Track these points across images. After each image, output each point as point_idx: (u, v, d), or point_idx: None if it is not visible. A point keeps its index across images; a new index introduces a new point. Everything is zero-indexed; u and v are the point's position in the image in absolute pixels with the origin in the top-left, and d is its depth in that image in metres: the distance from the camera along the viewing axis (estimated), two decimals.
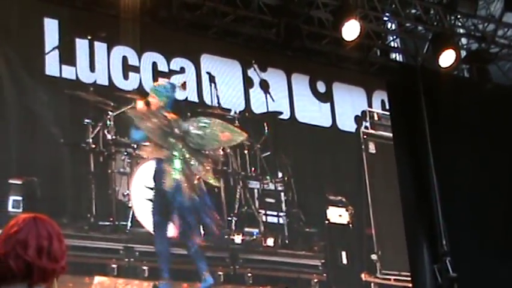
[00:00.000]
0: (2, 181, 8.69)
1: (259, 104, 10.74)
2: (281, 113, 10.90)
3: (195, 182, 9.43)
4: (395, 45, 12.64)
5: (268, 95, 10.78)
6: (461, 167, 11.78)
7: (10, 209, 8.56)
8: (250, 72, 10.78)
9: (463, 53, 12.19)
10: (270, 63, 10.99)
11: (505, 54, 12.48)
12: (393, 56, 12.85)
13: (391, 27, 12.27)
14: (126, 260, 9.17)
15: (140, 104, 9.16)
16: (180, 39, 10.46)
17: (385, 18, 11.81)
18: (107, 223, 9.19)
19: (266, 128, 10.58)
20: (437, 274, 11.38)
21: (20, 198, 8.63)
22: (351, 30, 10.57)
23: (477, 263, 11.41)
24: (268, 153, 10.50)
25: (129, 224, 9.26)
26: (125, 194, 9.35)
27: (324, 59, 11.56)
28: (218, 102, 10.32)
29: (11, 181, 8.69)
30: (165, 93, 9.35)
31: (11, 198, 8.61)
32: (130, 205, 9.33)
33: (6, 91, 8.99)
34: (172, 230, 9.21)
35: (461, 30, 12.37)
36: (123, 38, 9.70)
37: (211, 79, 10.36)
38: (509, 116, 12.48)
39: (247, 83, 10.72)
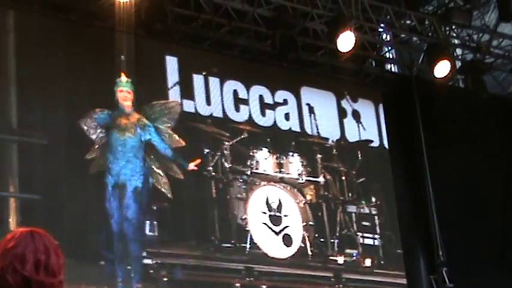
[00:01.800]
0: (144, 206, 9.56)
1: (352, 132, 11.47)
2: (372, 141, 11.51)
3: None
4: (391, 56, 12.68)
5: (360, 124, 11.49)
6: (457, 177, 11.78)
7: (147, 232, 9.57)
8: (344, 103, 11.48)
9: (458, 64, 12.22)
10: (361, 94, 11.69)
11: (500, 65, 12.51)
12: (388, 66, 12.88)
13: (386, 38, 12.30)
14: (247, 279, 10.04)
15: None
16: (282, 73, 11.22)
17: (380, 29, 11.84)
18: (229, 245, 10.09)
19: (360, 155, 11.29)
20: (434, 284, 11.38)
21: (155, 222, 9.58)
22: (346, 41, 10.59)
23: (473, 274, 11.40)
24: (363, 179, 11.23)
25: (248, 245, 10.13)
26: (243, 218, 10.24)
27: (320, 70, 11.58)
28: (317, 132, 11.17)
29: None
30: (130, 87, 9.75)
31: (147, 222, 9.58)
32: (247, 228, 10.20)
33: None
34: None
35: (456, 41, 12.40)
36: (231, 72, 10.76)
37: (311, 110, 11.19)
38: (504, 125, 12.51)
39: (341, 113, 11.42)
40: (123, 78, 9.74)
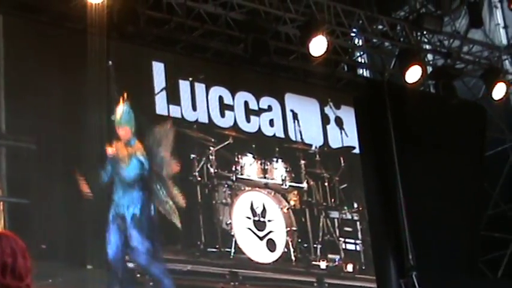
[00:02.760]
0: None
1: (335, 139, 11.58)
2: (354, 147, 11.61)
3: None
4: (362, 61, 12.73)
5: (342, 131, 11.59)
6: (427, 181, 11.84)
7: None
8: (327, 110, 11.57)
9: (429, 69, 12.29)
10: (344, 101, 11.78)
11: (470, 70, 12.59)
12: (360, 71, 12.93)
13: (358, 42, 12.36)
14: (232, 283, 10.09)
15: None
16: (266, 79, 11.29)
17: (352, 34, 11.90)
18: (214, 250, 10.15)
19: (342, 161, 11.40)
20: None
21: None
22: (318, 45, 10.62)
23: (443, 278, 11.46)
24: (345, 185, 11.36)
25: (232, 250, 10.20)
26: (228, 223, 10.31)
27: (292, 74, 11.60)
28: (301, 138, 11.25)
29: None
30: (129, 117, 9.76)
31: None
32: (232, 233, 10.27)
33: None
34: None
35: (428, 46, 12.47)
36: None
37: (295, 116, 11.29)
38: (474, 130, 12.59)
39: (325, 119, 11.53)
40: (117, 115, 9.73)
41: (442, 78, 12.09)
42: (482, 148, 12.79)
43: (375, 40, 12.14)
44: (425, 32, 12.07)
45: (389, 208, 11.82)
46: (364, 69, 12.98)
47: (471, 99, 12.94)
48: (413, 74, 11.33)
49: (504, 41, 13.46)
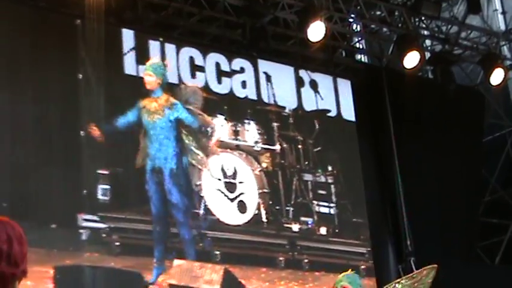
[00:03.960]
0: (92, 171, 9.39)
1: (309, 102, 11.40)
2: (329, 110, 11.51)
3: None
4: (361, 47, 12.71)
5: (317, 94, 11.48)
6: (425, 166, 11.85)
7: (100, 196, 9.40)
8: (301, 73, 11.46)
9: (427, 55, 12.28)
10: (317, 69, 11.68)
11: (468, 56, 12.58)
12: (358, 57, 12.92)
13: (356, 28, 12.33)
14: (201, 245, 9.92)
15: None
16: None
17: (350, 20, 11.87)
18: None
19: (317, 124, 11.30)
20: (402, 274, 11.43)
21: (107, 186, 9.43)
22: (316, 31, 10.61)
23: (441, 264, 11.45)
24: (319, 148, 11.25)
25: (201, 212, 10.06)
26: (197, 184, 10.11)
27: (290, 59, 11.59)
28: (274, 100, 11.10)
29: (99, 171, 9.42)
30: (161, 71, 9.87)
31: (100, 186, 9.38)
32: (202, 194, 10.11)
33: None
34: None
35: (425, 32, 12.45)
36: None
37: (268, 78, 11.12)
38: (472, 116, 12.59)
39: (299, 82, 11.39)
40: (150, 61, 9.88)
41: (440, 64, 12.10)
42: (480, 134, 12.79)
43: (373, 26, 12.12)
44: (423, 18, 12.05)
45: (388, 194, 11.83)
46: (362, 55, 12.97)
47: (469, 85, 12.94)
48: (411, 59, 11.32)
49: (502, 27, 13.45)
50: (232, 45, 11.06)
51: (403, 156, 11.78)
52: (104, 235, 9.34)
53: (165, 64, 10.05)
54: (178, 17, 10.64)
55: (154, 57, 10.06)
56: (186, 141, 9.96)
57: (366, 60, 12.95)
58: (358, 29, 12.28)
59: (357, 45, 12.66)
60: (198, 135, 10.08)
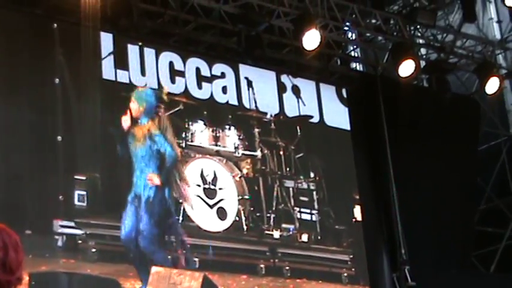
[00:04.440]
0: (68, 176, 9.32)
1: (291, 108, 11.39)
2: (312, 116, 11.46)
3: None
4: (356, 55, 12.73)
5: (299, 100, 11.43)
6: (420, 175, 11.85)
7: (76, 202, 9.32)
8: (283, 78, 11.42)
9: (423, 63, 12.29)
10: (300, 74, 11.63)
11: (464, 65, 12.59)
12: (353, 65, 12.93)
13: (351, 36, 12.35)
14: (179, 251, 9.82)
15: (126, 121, 9.64)
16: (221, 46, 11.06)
17: (346, 28, 11.87)
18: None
19: (299, 130, 11.25)
20: (396, 283, 11.44)
21: (84, 192, 9.34)
22: (311, 39, 10.62)
23: (436, 272, 11.48)
24: (301, 154, 11.20)
25: (180, 218, 9.96)
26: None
27: (285, 67, 11.59)
28: (256, 106, 11.05)
29: (76, 177, 9.35)
30: (145, 98, 9.84)
31: (76, 192, 9.30)
32: (181, 201, 10.02)
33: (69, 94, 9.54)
34: None
35: (421, 41, 12.48)
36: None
37: (249, 84, 11.07)
38: (467, 124, 12.60)
39: (281, 87, 11.37)
40: (137, 88, 9.87)
41: (435, 72, 12.11)
42: (475, 142, 12.80)
43: (368, 34, 12.13)
44: (418, 26, 12.06)
45: (382, 202, 11.83)
46: (358, 63, 12.99)
47: (464, 94, 12.95)
48: (406, 68, 11.33)
49: (497, 36, 13.48)
50: (227, 53, 11.05)
51: (397, 164, 11.78)
52: (80, 241, 9.26)
53: (162, 89, 10.04)
54: (174, 24, 10.64)
55: (148, 83, 10.04)
56: (172, 173, 9.89)
57: (361, 69, 12.96)
58: (354, 37, 12.29)
59: (352, 53, 12.68)
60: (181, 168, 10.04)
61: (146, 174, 9.65)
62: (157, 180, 9.69)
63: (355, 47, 12.53)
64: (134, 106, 9.73)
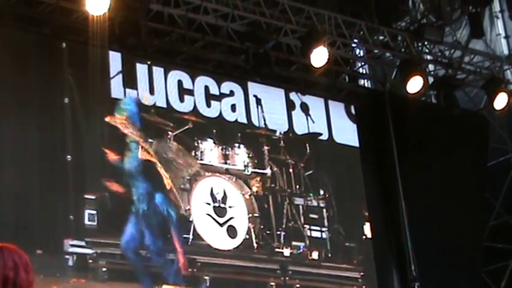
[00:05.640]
0: (78, 196, 9.35)
1: (300, 125, 11.41)
2: (321, 134, 11.47)
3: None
4: (364, 72, 12.74)
5: (308, 117, 11.47)
6: (429, 191, 11.83)
7: (86, 221, 9.33)
8: (292, 96, 11.45)
9: (431, 79, 12.29)
10: (308, 91, 11.65)
11: (472, 80, 12.59)
12: (361, 82, 12.94)
13: (359, 53, 12.36)
14: (190, 270, 9.85)
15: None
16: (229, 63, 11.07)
17: (353, 45, 11.89)
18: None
19: (308, 148, 11.23)
20: None
21: (94, 211, 9.37)
22: (319, 56, 10.63)
23: None
24: (311, 171, 11.19)
25: (191, 236, 9.98)
26: (186, 208, 10.07)
27: (293, 85, 11.61)
28: (265, 123, 11.09)
29: (86, 196, 9.38)
30: (123, 107, 9.84)
31: (86, 211, 9.32)
32: (191, 219, 10.04)
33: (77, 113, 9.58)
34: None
35: (429, 57, 12.49)
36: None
37: (258, 101, 11.12)
38: (476, 140, 12.58)
39: (290, 105, 11.40)
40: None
41: (443, 88, 12.10)
42: (484, 158, 12.77)
43: (376, 51, 12.14)
44: (426, 43, 12.08)
45: (392, 219, 11.80)
46: (366, 80, 13.00)
47: (473, 110, 12.94)
48: (414, 84, 11.34)
49: (505, 51, 13.48)
50: (235, 71, 11.08)
51: (406, 180, 11.76)
52: (90, 261, 9.27)
53: (143, 98, 10.04)
54: (182, 43, 10.66)
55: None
56: (165, 174, 9.90)
57: (369, 85, 12.97)
58: (361, 54, 12.30)
59: (360, 70, 12.69)
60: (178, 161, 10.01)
61: (137, 188, 9.67)
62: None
63: (363, 63, 12.54)
64: (118, 119, 9.73)
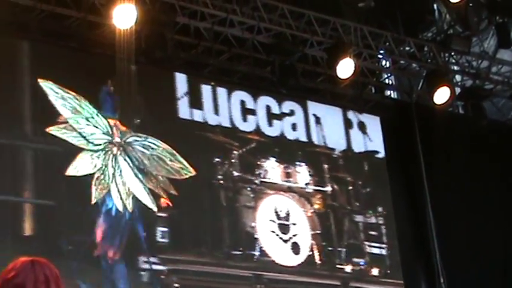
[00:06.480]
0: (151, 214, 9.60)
1: (358, 143, 11.64)
2: (378, 152, 11.66)
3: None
4: (390, 83, 12.69)
5: (365, 135, 11.68)
6: (457, 203, 11.76)
7: (158, 239, 9.60)
8: (350, 115, 11.62)
9: (458, 90, 12.22)
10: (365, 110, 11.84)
11: (499, 91, 12.53)
12: (388, 93, 12.89)
13: (385, 64, 12.33)
14: (258, 286, 10.13)
15: None
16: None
17: (380, 56, 11.87)
18: (238, 252, 10.17)
19: (366, 165, 11.49)
20: None
21: (166, 229, 9.63)
22: (345, 68, 10.61)
23: None
24: (369, 189, 11.39)
25: (257, 253, 10.23)
26: (252, 225, 10.33)
27: (319, 96, 11.59)
28: (324, 142, 11.33)
29: (158, 214, 9.62)
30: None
31: (159, 229, 9.59)
32: (256, 236, 10.29)
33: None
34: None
35: (456, 67, 12.42)
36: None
37: (317, 120, 11.38)
38: (504, 152, 12.50)
39: (347, 124, 11.64)
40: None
41: (470, 99, 12.04)
42: None
43: (402, 62, 12.10)
44: (453, 53, 12.03)
45: (420, 230, 11.74)
46: (392, 91, 12.94)
47: (500, 120, 12.86)
48: (441, 95, 11.28)
49: None
50: (261, 83, 11.08)
51: (434, 192, 11.70)
52: (163, 277, 9.47)
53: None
54: (208, 55, 10.69)
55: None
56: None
57: (396, 96, 12.91)
58: (388, 65, 12.27)
59: (387, 81, 12.64)
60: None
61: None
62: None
63: (389, 74, 12.50)
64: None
